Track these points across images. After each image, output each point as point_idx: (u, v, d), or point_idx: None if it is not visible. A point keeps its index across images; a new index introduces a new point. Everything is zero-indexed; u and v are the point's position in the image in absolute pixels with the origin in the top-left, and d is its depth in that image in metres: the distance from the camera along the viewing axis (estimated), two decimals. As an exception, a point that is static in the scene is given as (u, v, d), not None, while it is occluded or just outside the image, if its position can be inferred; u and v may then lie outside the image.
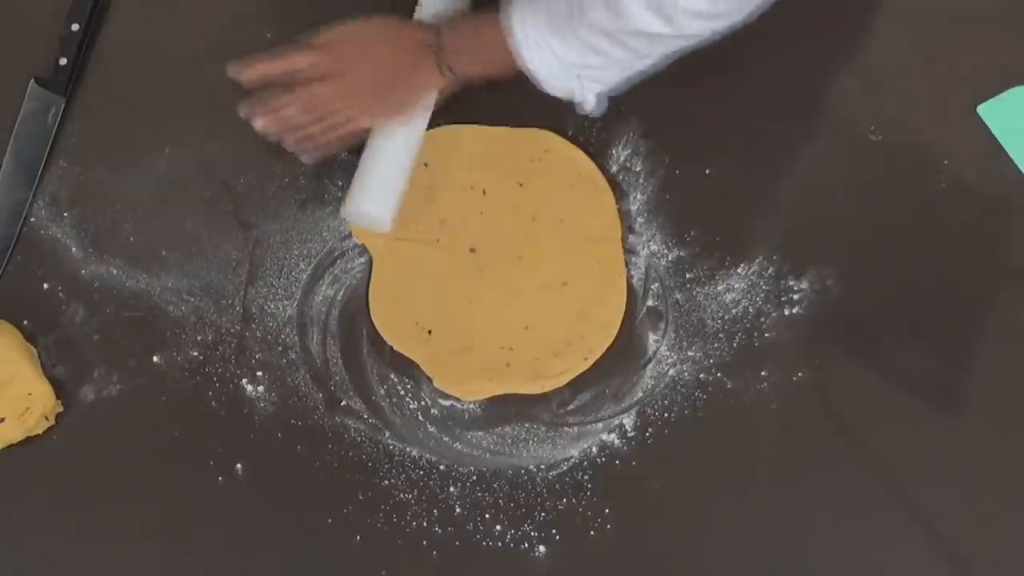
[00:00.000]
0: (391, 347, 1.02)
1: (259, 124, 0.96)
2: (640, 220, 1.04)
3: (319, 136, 0.97)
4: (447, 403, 1.01)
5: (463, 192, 1.03)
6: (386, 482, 0.99)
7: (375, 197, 0.98)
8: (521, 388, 1.00)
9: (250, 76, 0.95)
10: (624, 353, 1.02)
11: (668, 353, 1.02)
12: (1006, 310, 1.03)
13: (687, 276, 1.03)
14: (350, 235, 1.04)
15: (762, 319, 1.03)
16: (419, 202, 1.02)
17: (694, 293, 1.03)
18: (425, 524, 0.98)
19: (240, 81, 0.96)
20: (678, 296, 1.03)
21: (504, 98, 1.06)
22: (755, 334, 1.02)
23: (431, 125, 1.02)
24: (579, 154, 1.04)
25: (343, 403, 1.01)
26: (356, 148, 1.00)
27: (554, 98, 1.06)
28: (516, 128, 1.05)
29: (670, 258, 1.04)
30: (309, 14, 1.04)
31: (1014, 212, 1.06)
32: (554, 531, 0.98)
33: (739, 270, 1.04)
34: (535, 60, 0.89)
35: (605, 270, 1.02)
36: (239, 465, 1.00)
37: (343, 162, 1.05)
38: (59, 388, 1.00)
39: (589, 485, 0.99)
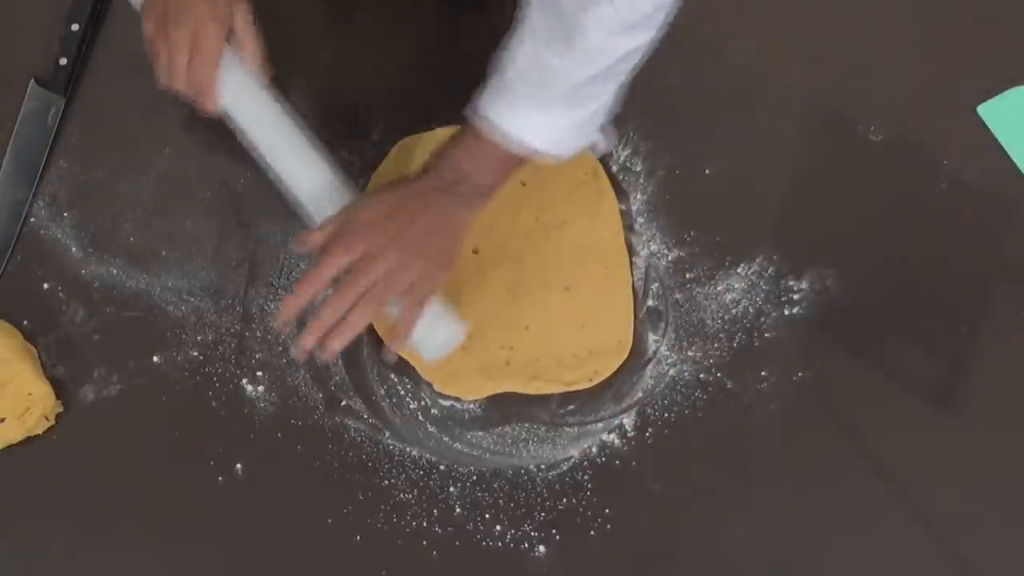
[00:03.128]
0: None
1: (337, 347, 0.87)
2: (640, 220, 1.04)
3: (400, 323, 0.90)
4: (447, 403, 1.01)
5: None
6: (386, 482, 0.99)
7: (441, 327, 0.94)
8: (520, 388, 1.00)
9: (304, 298, 0.87)
10: (624, 353, 1.02)
11: (668, 353, 1.02)
12: (1006, 310, 1.03)
13: (687, 276, 1.03)
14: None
15: (762, 319, 1.03)
16: None
17: (694, 293, 1.03)
18: (425, 524, 0.98)
19: (290, 316, 0.88)
20: (678, 296, 1.03)
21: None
22: (755, 334, 1.02)
23: (434, 126, 1.02)
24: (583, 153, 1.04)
25: (343, 403, 1.01)
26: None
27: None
28: None
29: (670, 258, 1.04)
30: (309, 14, 1.05)
31: (1014, 212, 1.06)
32: (554, 531, 0.98)
33: (739, 270, 1.04)
34: (540, 140, 0.87)
35: (609, 279, 1.02)
36: (239, 465, 1.00)
37: (342, 161, 1.05)
38: (59, 388, 1.01)
39: (589, 485, 0.99)
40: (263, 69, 0.93)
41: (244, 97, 0.93)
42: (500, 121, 0.86)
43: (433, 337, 0.92)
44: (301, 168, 0.93)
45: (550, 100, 0.84)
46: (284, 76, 1.05)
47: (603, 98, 0.86)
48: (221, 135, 1.07)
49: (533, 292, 1.02)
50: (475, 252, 1.02)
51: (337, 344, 0.87)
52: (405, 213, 0.88)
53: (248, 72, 0.93)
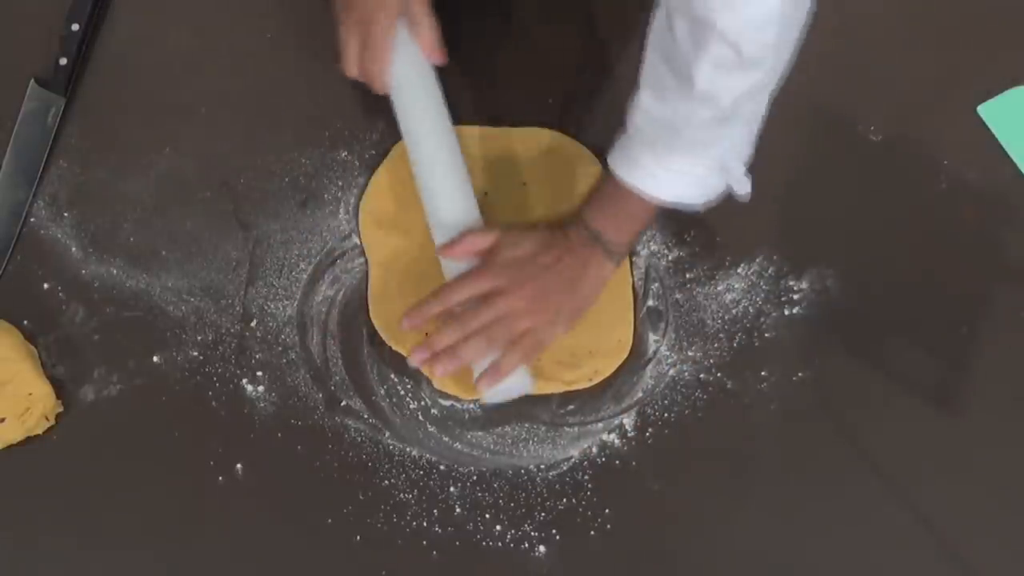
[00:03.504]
0: (391, 347, 1.02)
1: (440, 372, 0.91)
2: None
3: (501, 359, 0.92)
4: (447, 403, 1.01)
5: None
6: (386, 482, 0.99)
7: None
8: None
9: (430, 312, 0.92)
10: (624, 353, 1.02)
11: (668, 353, 1.02)
12: (1006, 310, 1.03)
13: (687, 276, 1.03)
14: (350, 235, 1.04)
15: (762, 319, 1.03)
16: (420, 204, 1.02)
17: (694, 293, 1.03)
18: (425, 524, 0.98)
19: (414, 326, 0.93)
20: (678, 296, 1.03)
21: (505, 98, 1.06)
22: (755, 334, 1.02)
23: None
24: (584, 152, 1.04)
25: (343, 403, 1.01)
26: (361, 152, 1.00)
27: (556, 98, 1.06)
28: (518, 128, 1.05)
29: (670, 258, 1.04)
30: (309, 14, 1.05)
31: (1014, 212, 1.06)
32: (554, 531, 0.98)
33: (739, 270, 1.04)
34: (667, 191, 0.88)
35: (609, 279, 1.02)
36: (239, 465, 1.00)
37: (342, 161, 1.05)
38: (59, 388, 1.00)
39: (589, 485, 0.99)
40: (436, 55, 0.93)
41: (410, 88, 0.95)
42: (627, 176, 0.87)
43: (504, 381, 0.93)
44: (445, 184, 0.95)
45: (672, 149, 0.84)
46: (287, 76, 1.05)
47: (728, 142, 0.85)
48: (221, 136, 1.07)
49: None
50: None
51: (440, 370, 0.91)
52: (549, 259, 0.90)
53: (418, 62, 0.94)
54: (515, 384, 0.94)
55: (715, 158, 0.86)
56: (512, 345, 0.91)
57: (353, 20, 0.92)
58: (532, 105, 1.06)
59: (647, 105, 0.84)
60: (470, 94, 1.03)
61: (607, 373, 1.01)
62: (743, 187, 0.89)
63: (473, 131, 1.05)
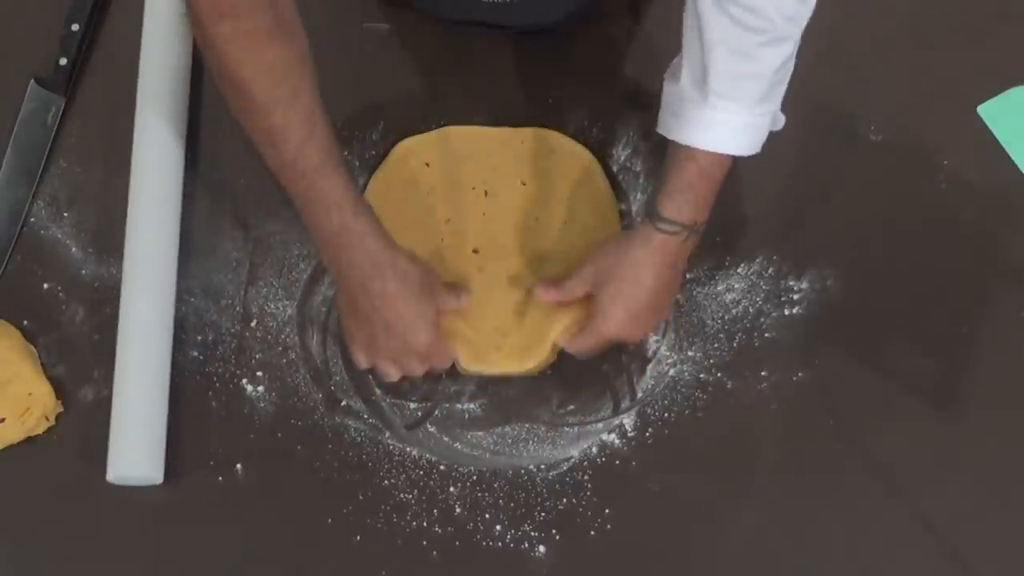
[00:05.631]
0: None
1: None
2: (640, 220, 1.03)
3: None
4: (447, 403, 1.01)
5: (465, 193, 1.03)
6: (386, 482, 0.99)
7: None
8: (514, 367, 1.00)
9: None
10: (624, 353, 1.02)
11: (668, 353, 1.02)
12: (1006, 310, 1.03)
13: (687, 276, 1.03)
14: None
15: (762, 319, 1.03)
16: (421, 203, 1.02)
17: (694, 293, 1.03)
18: (425, 524, 0.98)
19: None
20: (678, 296, 1.03)
21: (504, 97, 1.06)
22: (755, 334, 1.02)
23: (434, 126, 1.02)
24: (583, 151, 1.04)
25: (343, 403, 1.01)
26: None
27: (555, 97, 1.07)
28: (519, 128, 1.05)
29: (670, 258, 1.04)
30: (309, 14, 1.04)
31: (1014, 212, 1.06)
32: (554, 531, 0.98)
33: (739, 270, 1.04)
34: (757, 139, 0.89)
35: None
36: (239, 465, 1.00)
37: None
38: (59, 388, 1.00)
39: (589, 485, 0.99)
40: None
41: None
42: (717, 146, 0.87)
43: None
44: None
45: (760, 99, 0.86)
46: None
47: (787, 82, 0.88)
48: (221, 136, 1.07)
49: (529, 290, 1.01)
50: (475, 252, 1.02)
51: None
52: (652, 282, 0.93)
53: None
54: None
55: (782, 95, 0.89)
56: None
57: (402, 353, 0.94)
58: (530, 105, 1.06)
59: (722, 64, 0.84)
60: (469, 94, 1.03)
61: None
62: (781, 121, 0.92)
63: (472, 131, 1.05)
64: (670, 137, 0.89)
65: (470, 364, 0.99)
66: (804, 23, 0.84)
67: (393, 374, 0.95)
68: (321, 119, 0.86)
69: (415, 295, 0.91)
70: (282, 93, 0.83)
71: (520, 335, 1.00)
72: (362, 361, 0.95)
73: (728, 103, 0.86)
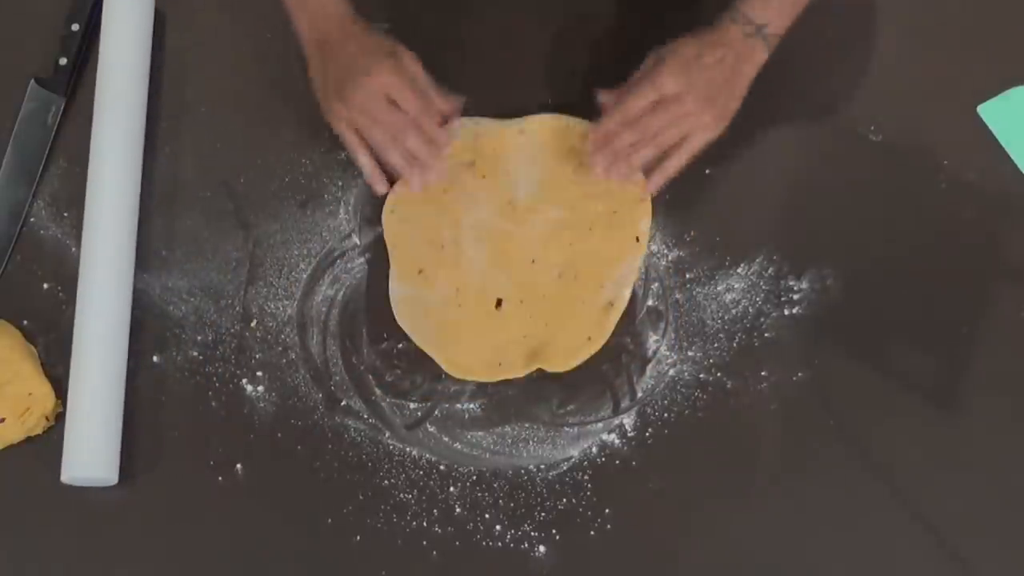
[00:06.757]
0: (391, 346, 1.01)
1: (616, 174, 0.97)
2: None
3: (668, 162, 0.98)
4: (447, 403, 1.01)
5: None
6: (386, 482, 0.99)
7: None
8: (522, 370, 1.00)
9: (612, 127, 0.96)
10: (624, 353, 1.02)
11: (668, 353, 1.02)
12: (1006, 310, 1.03)
13: (687, 276, 1.03)
14: (350, 235, 1.04)
15: (762, 319, 1.03)
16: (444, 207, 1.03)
17: (694, 293, 1.03)
18: (425, 524, 0.98)
19: (597, 146, 0.97)
20: (678, 296, 1.03)
21: (504, 97, 1.06)
22: (755, 334, 1.02)
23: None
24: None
25: (343, 403, 1.01)
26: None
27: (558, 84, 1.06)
28: (525, 117, 1.04)
29: (670, 258, 1.04)
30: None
31: (1014, 212, 1.06)
32: (554, 531, 0.98)
33: (739, 270, 1.04)
34: None
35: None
36: (239, 465, 1.00)
37: (342, 161, 1.05)
38: (59, 388, 1.00)
39: (589, 485, 0.99)
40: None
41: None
42: None
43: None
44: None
45: None
46: (287, 76, 1.05)
47: None
48: (221, 136, 1.07)
49: (536, 300, 1.01)
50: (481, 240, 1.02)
51: (616, 173, 0.97)
52: (712, 59, 0.92)
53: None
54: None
55: None
56: (677, 148, 0.96)
57: (369, 107, 0.94)
58: (539, 94, 1.06)
59: None
60: (471, 94, 1.03)
61: (600, 342, 1.01)
62: None
63: (486, 122, 1.05)
64: None
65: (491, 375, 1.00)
66: None
67: (366, 123, 0.95)
68: None
69: (375, 39, 0.95)
70: None
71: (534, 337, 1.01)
72: (341, 116, 0.95)
73: None
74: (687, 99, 0.94)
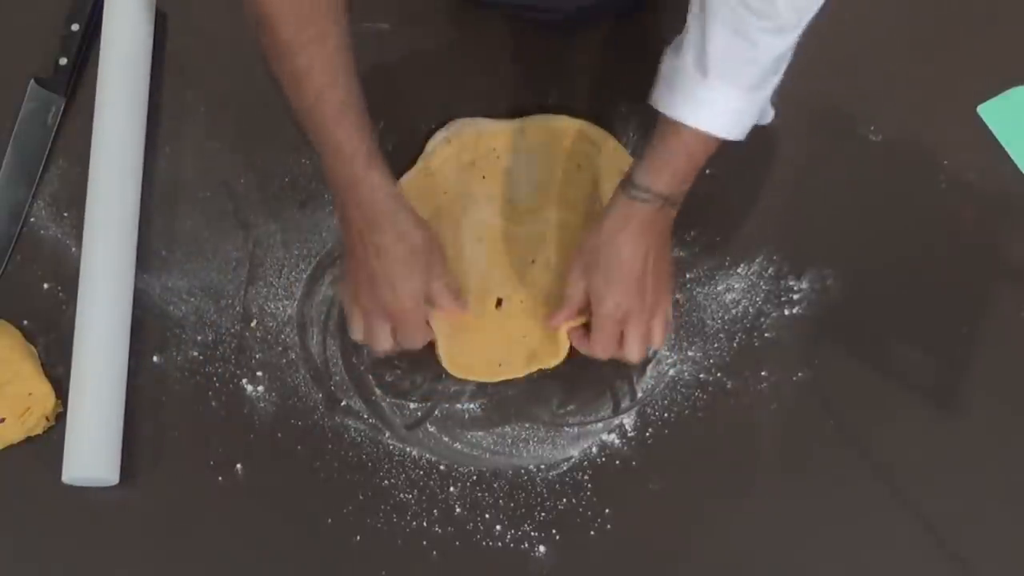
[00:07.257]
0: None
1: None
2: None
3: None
4: (447, 403, 1.01)
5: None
6: (386, 482, 0.99)
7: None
8: (522, 371, 1.00)
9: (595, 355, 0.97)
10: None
11: (668, 353, 1.02)
12: (1006, 310, 1.03)
13: (687, 276, 1.03)
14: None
15: (762, 319, 1.03)
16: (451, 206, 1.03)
17: (694, 293, 1.03)
18: (425, 524, 0.98)
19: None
20: (678, 296, 1.03)
21: (505, 97, 1.06)
22: (755, 334, 1.02)
23: (435, 126, 1.02)
24: (596, 130, 1.04)
25: (343, 403, 1.01)
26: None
27: (556, 96, 1.06)
28: (531, 117, 1.04)
29: (670, 258, 1.04)
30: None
31: (1014, 212, 1.06)
32: (554, 531, 0.98)
33: (739, 270, 1.04)
34: (746, 123, 0.88)
35: None
36: (239, 465, 1.00)
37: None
38: (59, 388, 1.00)
39: (589, 485, 0.99)
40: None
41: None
42: (702, 123, 0.86)
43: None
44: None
45: (750, 84, 0.85)
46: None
47: (781, 74, 0.88)
48: (221, 136, 1.07)
49: (536, 300, 1.01)
50: (479, 240, 1.02)
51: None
52: (639, 263, 0.92)
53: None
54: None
55: (776, 84, 0.88)
56: (643, 338, 0.95)
57: (379, 312, 0.92)
58: (534, 102, 1.06)
59: (722, 44, 0.83)
60: (470, 94, 1.03)
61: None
62: (770, 115, 0.93)
63: (485, 123, 1.05)
64: (660, 109, 0.88)
65: (493, 375, 1.00)
66: (809, 17, 0.83)
67: (357, 331, 0.94)
68: (346, 67, 0.86)
69: (407, 257, 0.90)
70: (308, 36, 0.84)
71: (533, 339, 1.00)
72: (346, 306, 0.96)
73: (722, 84, 0.85)
74: (637, 317, 0.93)
